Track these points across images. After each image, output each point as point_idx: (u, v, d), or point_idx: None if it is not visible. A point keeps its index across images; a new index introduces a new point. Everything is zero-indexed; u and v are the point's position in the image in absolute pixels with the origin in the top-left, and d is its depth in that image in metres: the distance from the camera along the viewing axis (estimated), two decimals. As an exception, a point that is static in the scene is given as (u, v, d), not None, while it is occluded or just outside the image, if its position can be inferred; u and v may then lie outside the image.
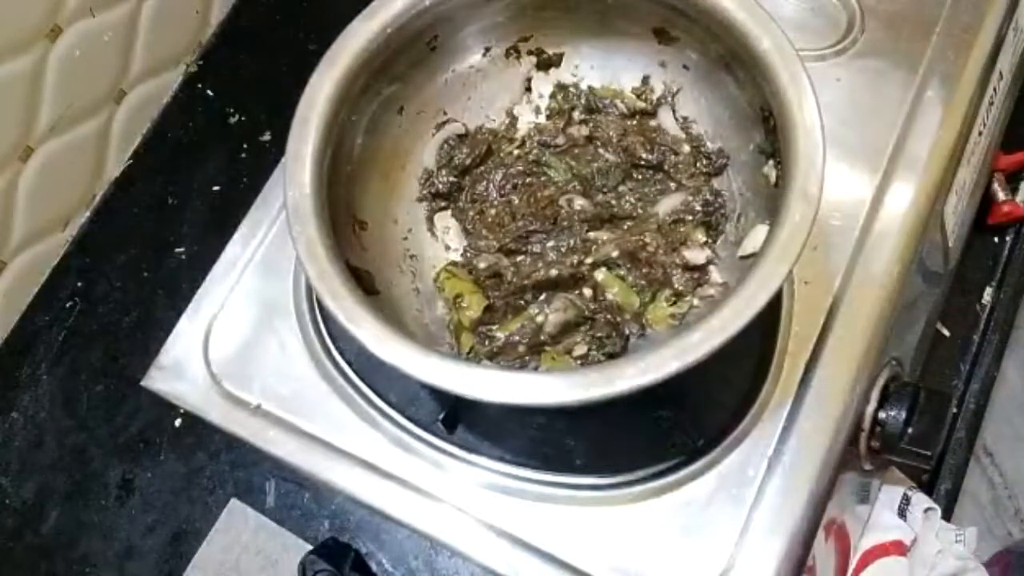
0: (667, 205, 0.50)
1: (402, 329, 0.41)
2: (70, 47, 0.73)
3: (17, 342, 0.78)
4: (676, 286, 0.48)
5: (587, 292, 0.48)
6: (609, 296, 0.48)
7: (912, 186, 0.50)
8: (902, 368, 0.52)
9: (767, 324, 0.48)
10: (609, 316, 0.47)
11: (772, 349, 0.48)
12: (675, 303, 0.48)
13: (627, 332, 0.48)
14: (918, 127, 0.52)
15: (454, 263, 0.51)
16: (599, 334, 0.47)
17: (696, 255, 0.48)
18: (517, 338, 0.47)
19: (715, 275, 0.48)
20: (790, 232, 0.39)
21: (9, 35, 0.68)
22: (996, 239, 0.75)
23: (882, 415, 0.48)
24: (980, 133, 0.58)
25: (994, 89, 0.57)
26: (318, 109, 0.45)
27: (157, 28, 0.81)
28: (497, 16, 0.51)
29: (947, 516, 0.62)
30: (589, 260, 0.49)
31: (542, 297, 0.48)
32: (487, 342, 0.48)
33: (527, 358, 0.47)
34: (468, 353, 0.48)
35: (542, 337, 0.47)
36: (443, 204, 0.53)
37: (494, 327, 0.48)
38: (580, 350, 0.47)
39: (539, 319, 0.47)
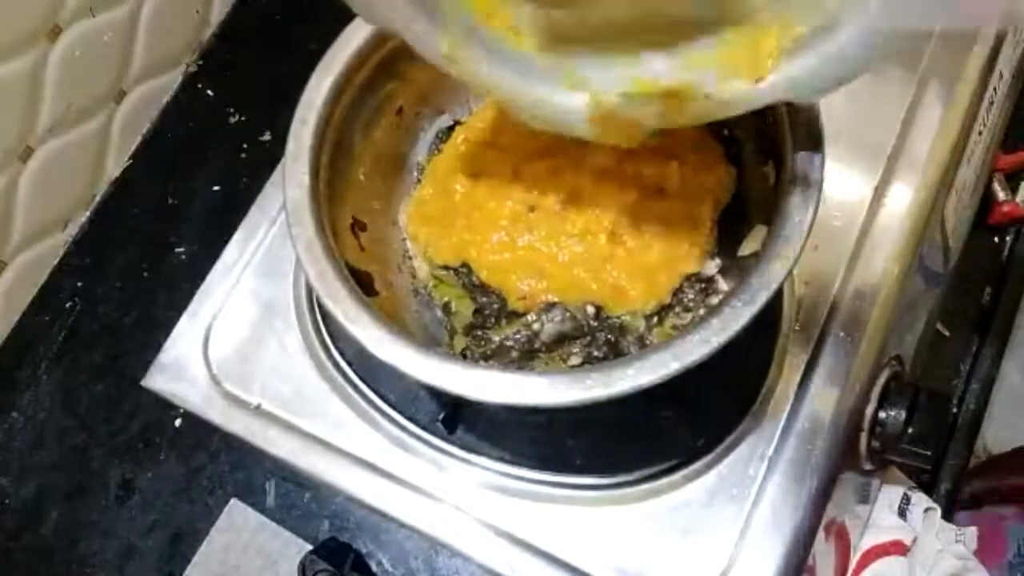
0: None
1: (401, 329, 0.41)
2: (70, 47, 0.73)
3: (17, 342, 0.77)
4: (687, 303, 0.47)
5: (590, 310, 0.47)
6: (614, 314, 0.47)
7: (912, 186, 0.50)
8: (902, 368, 0.52)
9: (767, 324, 0.47)
10: (610, 336, 0.47)
11: (772, 349, 0.48)
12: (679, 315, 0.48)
13: (627, 352, 0.47)
14: (918, 127, 0.52)
15: (443, 268, 0.50)
16: (596, 353, 0.47)
17: (708, 267, 0.47)
18: (511, 343, 0.47)
19: (722, 284, 0.47)
20: (790, 232, 0.39)
21: (9, 35, 0.68)
22: (996, 239, 0.74)
23: (882, 415, 0.48)
24: (980, 133, 0.58)
25: (994, 89, 0.57)
26: (318, 109, 0.45)
27: (157, 28, 0.81)
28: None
29: (947, 516, 0.62)
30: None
31: (542, 306, 0.48)
32: (481, 343, 0.47)
33: (520, 364, 0.47)
34: (461, 354, 0.48)
35: (536, 345, 0.47)
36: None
37: (488, 330, 0.48)
38: (575, 360, 0.47)
39: (535, 326, 0.47)
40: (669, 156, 0.48)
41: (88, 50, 0.75)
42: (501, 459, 0.48)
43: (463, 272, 0.49)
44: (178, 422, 0.72)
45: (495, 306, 0.48)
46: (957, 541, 0.59)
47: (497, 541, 0.47)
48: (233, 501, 0.69)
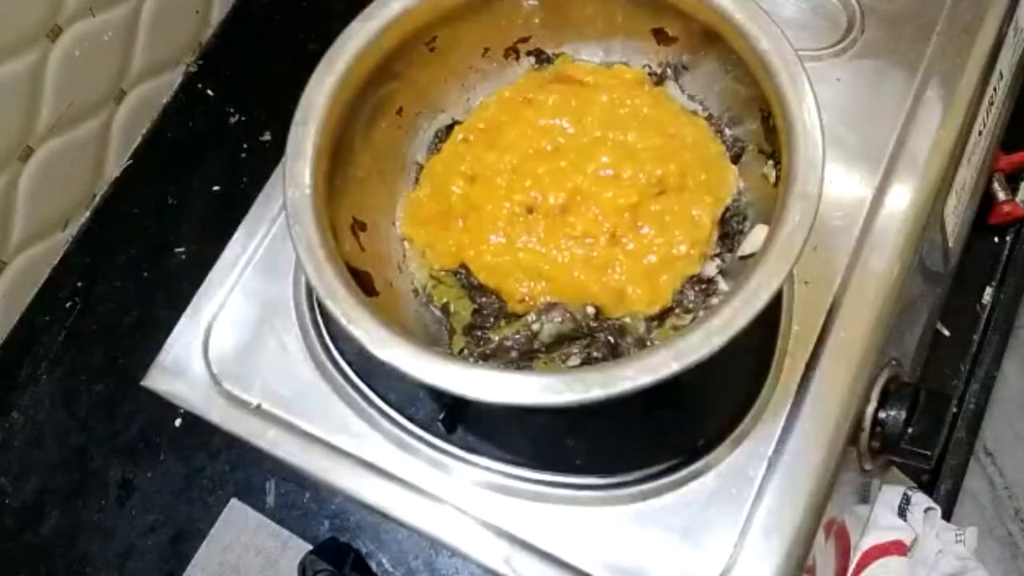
0: None
1: (401, 329, 0.41)
2: (70, 47, 0.73)
3: (17, 342, 0.78)
4: (687, 304, 0.47)
5: (590, 310, 0.47)
6: (615, 316, 0.47)
7: (912, 186, 0.50)
8: (902, 368, 0.52)
9: (767, 324, 0.47)
10: (610, 337, 0.47)
11: (772, 349, 0.48)
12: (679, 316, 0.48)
13: (626, 353, 0.47)
14: (918, 127, 0.52)
15: (440, 270, 0.50)
16: (595, 354, 0.46)
17: (708, 268, 0.47)
18: (510, 343, 0.47)
19: (722, 284, 0.47)
20: (790, 232, 0.39)
21: (9, 35, 0.68)
22: (996, 239, 0.75)
23: (882, 415, 0.48)
24: (980, 133, 0.58)
25: (994, 89, 0.57)
26: (317, 110, 0.45)
27: (157, 28, 0.81)
28: (496, 17, 0.51)
29: (947, 516, 0.62)
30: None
31: (541, 307, 0.48)
32: (481, 343, 0.47)
33: (519, 364, 0.47)
34: (459, 354, 0.48)
35: (535, 345, 0.47)
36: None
37: (487, 330, 0.48)
38: (574, 361, 0.47)
39: (534, 327, 0.47)
40: (669, 157, 0.48)
41: (88, 50, 0.75)
42: (501, 459, 0.48)
43: (462, 273, 0.49)
44: (178, 422, 0.72)
45: (494, 306, 0.48)
46: (957, 541, 0.59)
47: (497, 541, 0.47)
48: (233, 501, 0.69)
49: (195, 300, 0.55)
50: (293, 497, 0.68)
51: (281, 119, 0.45)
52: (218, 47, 0.89)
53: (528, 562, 0.46)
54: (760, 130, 0.47)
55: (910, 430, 0.47)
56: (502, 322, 0.48)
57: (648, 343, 0.46)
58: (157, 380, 0.54)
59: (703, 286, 0.47)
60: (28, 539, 0.71)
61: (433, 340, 0.48)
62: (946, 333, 0.71)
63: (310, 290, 0.53)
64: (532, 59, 0.53)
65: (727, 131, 0.50)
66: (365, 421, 0.50)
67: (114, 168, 0.83)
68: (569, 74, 0.51)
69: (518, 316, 0.47)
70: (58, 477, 0.73)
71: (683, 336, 0.38)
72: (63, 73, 0.73)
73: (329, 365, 0.52)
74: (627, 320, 0.47)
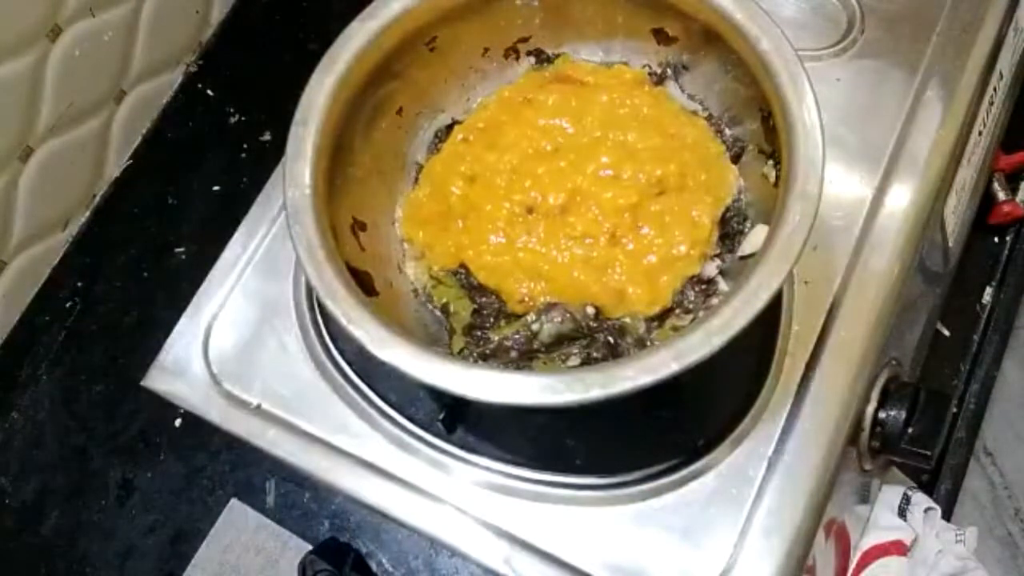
0: None
1: (401, 329, 0.41)
2: (70, 47, 0.73)
3: (17, 342, 0.78)
4: (687, 305, 0.47)
5: (590, 311, 0.47)
6: (615, 316, 0.47)
7: (912, 186, 0.50)
8: (902, 368, 0.52)
9: (767, 324, 0.47)
10: (611, 338, 0.47)
11: (772, 349, 0.48)
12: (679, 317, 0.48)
13: (626, 353, 0.46)
14: (918, 127, 0.52)
15: (440, 270, 0.50)
16: (595, 354, 0.46)
17: (708, 268, 0.47)
18: (510, 343, 0.47)
19: (722, 285, 0.47)
20: (790, 232, 0.39)
21: (9, 35, 0.68)
22: (996, 239, 0.75)
23: (882, 415, 0.48)
24: (980, 133, 0.58)
25: (994, 89, 0.57)
26: (318, 110, 0.45)
27: (157, 28, 0.81)
28: (496, 17, 0.51)
29: (947, 516, 0.62)
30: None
31: (541, 307, 0.48)
32: (480, 343, 0.47)
33: (519, 364, 0.47)
34: (459, 353, 0.48)
35: (535, 345, 0.47)
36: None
37: (487, 330, 0.48)
38: (574, 362, 0.47)
39: (534, 327, 0.47)
40: (669, 157, 0.48)
41: (88, 50, 0.75)
42: (501, 459, 0.48)
43: (461, 273, 0.49)
44: (178, 422, 0.72)
45: (494, 306, 0.48)
46: (957, 541, 0.59)
47: (497, 541, 0.47)
48: (233, 501, 0.69)
49: (195, 300, 0.55)
50: (293, 497, 0.68)
51: (281, 119, 0.45)
52: (218, 47, 0.89)
53: (528, 562, 0.46)
54: (760, 130, 0.47)
55: (910, 430, 0.47)
56: (502, 322, 0.48)
57: (648, 343, 0.46)
58: (157, 380, 0.54)
59: (703, 286, 0.47)
60: (28, 539, 0.71)
61: (433, 340, 0.48)
62: (946, 333, 0.71)
63: (310, 290, 0.53)
64: (532, 59, 0.53)
65: (727, 131, 0.50)
66: (365, 421, 0.51)
67: (114, 168, 0.83)
68: (569, 74, 0.51)
69: (518, 316, 0.47)
70: (58, 477, 0.73)
71: (683, 336, 0.38)
72: (63, 73, 0.73)
73: (329, 365, 0.52)
74: (627, 320, 0.47)
